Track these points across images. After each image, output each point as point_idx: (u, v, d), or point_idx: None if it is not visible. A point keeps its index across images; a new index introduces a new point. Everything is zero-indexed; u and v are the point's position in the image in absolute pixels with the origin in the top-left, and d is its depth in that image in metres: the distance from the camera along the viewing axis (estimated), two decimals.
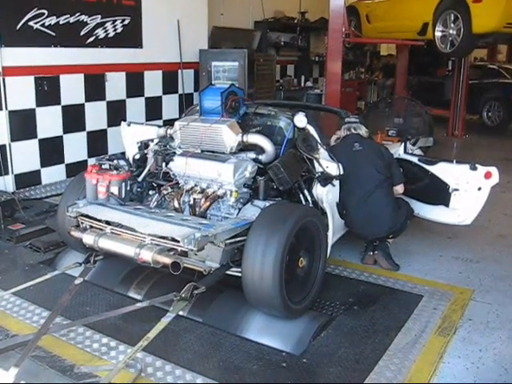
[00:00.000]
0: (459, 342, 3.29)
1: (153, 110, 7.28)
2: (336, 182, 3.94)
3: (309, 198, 3.82)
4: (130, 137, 4.81)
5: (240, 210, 3.63)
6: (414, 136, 7.79)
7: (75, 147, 6.26)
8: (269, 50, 10.39)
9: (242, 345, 3.20)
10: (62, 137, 6.14)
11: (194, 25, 7.76)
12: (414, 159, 4.46)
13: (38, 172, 5.95)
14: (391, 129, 7.39)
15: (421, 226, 4.91)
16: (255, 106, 4.19)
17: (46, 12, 5.65)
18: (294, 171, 3.67)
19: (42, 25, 5.67)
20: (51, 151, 6.03)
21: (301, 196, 3.84)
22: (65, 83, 6.03)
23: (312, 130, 3.95)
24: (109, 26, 6.41)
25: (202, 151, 3.91)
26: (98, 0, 6.27)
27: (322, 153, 3.93)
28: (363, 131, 4.26)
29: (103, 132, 6.62)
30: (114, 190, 3.71)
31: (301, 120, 3.86)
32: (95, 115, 6.48)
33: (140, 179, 4.00)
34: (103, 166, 3.87)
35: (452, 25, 7.34)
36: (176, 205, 3.74)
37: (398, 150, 4.66)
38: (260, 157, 3.78)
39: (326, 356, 3.09)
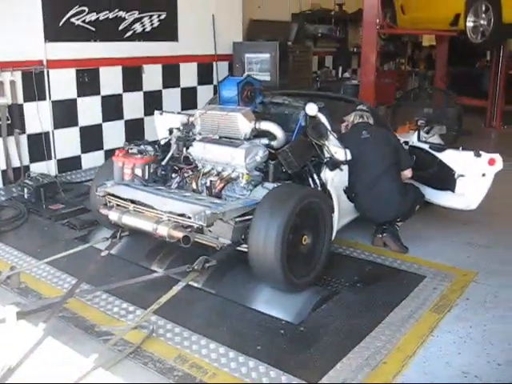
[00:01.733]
0: (452, 319, 3.46)
1: (188, 99, 7.62)
2: (344, 167, 4.18)
3: (317, 181, 4.06)
4: (161, 124, 5.16)
5: (252, 191, 3.92)
6: (446, 125, 7.87)
7: (113, 134, 6.67)
8: (306, 41, 10.56)
9: (247, 314, 3.50)
10: (101, 125, 6.59)
11: (229, 18, 8.05)
12: (426, 147, 4.63)
13: (78, 157, 6.42)
14: (420, 118, 7.46)
15: (436, 212, 5.05)
16: (271, 95, 4.46)
17: (86, 9, 6.10)
18: (302, 156, 3.92)
19: (83, 21, 6.12)
20: (91, 138, 6.48)
21: (310, 180, 4.09)
22: (104, 75, 6.47)
23: (323, 118, 4.18)
24: (146, 20, 6.80)
25: (220, 137, 4.21)
26: None
27: (332, 139, 4.16)
28: (371, 120, 4.47)
29: (140, 120, 7.02)
30: (138, 172, 4.09)
31: (312, 108, 4.10)
32: (133, 105, 6.89)
33: (164, 163, 4.33)
34: (130, 151, 4.26)
35: (483, 15, 7.32)
36: (194, 186, 4.08)
37: (412, 138, 4.84)
38: (272, 142, 4.05)
39: (322, 326, 3.34)
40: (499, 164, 4.08)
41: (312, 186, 4.07)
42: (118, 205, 3.93)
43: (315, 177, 4.07)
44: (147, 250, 4.36)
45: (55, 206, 5.39)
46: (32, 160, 5.92)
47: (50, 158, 6.06)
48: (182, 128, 4.48)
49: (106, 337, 3.16)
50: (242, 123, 4.04)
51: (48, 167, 6.04)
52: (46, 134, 5.99)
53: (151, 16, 6.85)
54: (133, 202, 3.85)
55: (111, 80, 6.58)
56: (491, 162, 4.08)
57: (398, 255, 4.41)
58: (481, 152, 4.11)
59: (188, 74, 7.62)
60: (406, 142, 4.86)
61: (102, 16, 6.28)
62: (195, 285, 3.82)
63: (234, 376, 2.84)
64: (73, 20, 6.02)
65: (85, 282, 3.72)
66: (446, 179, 4.36)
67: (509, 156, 7.82)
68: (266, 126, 4.04)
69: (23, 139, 5.81)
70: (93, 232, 4.78)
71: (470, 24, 7.65)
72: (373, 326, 3.34)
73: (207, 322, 3.39)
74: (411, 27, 9.50)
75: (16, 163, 5.76)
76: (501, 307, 3.62)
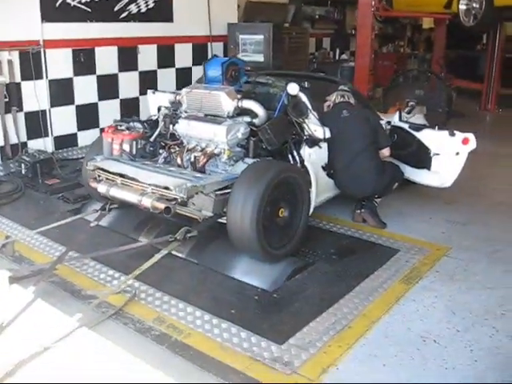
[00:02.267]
0: (419, 289, 3.65)
1: (183, 79, 7.70)
2: (323, 145, 4.35)
3: (297, 158, 4.24)
4: (154, 103, 5.33)
5: (233, 166, 4.10)
6: (435, 107, 8.03)
7: (109, 113, 6.76)
8: (304, 23, 10.64)
9: (225, 281, 3.72)
10: (96, 103, 6.76)
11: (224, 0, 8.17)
12: (406, 126, 4.79)
13: (74, 135, 6.61)
14: (411, 100, 7.60)
15: (418, 191, 5.22)
16: (255, 75, 4.62)
17: None
18: (281, 133, 4.10)
19: (79, 2, 6.26)
20: (87, 116, 6.65)
21: (290, 156, 4.27)
22: (100, 55, 6.63)
23: (304, 98, 4.34)
24: (141, 1, 6.93)
25: (205, 115, 4.39)
26: None
27: (312, 118, 4.33)
28: (352, 100, 4.63)
29: (135, 100, 7.19)
30: (126, 147, 4.29)
31: (293, 88, 4.25)
32: (128, 84, 7.05)
33: (152, 139, 4.52)
34: (119, 128, 4.45)
35: None
36: (179, 161, 4.27)
37: (394, 118, 5.00)
38: (254, 120, 4.22)
39: (294, 293, 3.54)
40: (473, 143, 4.23)
41: (291, 161, 4.24)
42: (106, 178, 4.14)
43: (295, 153, 4.25)
44: (136, 222, 4.57)
45: (51, 181, 5.60)
46: (29, 137, 6.11)
47: (46, 135, 6.24)
48: (169, 106, 4.66)
49: (92, 300, 3.38)
50: (225, 101, 4.21)
51: (45, 144, 6.23)
52: (43, 111, 6.16)
53: None
54: (121, 175, 4.06)
55: (107, 60, 6.72)
56: (465, 141, 4.23)
57: (376, 230, 4.58)
58: (455, 131, 4.26)
59: (183, 55, 7.75)
60: (389, 122, 5.01)
61: None
62: (179, 255, 4.04)
63: (207, 336, 3.05)
64: (69, 1, 6.14)
65: (75, 250, 3.93)
66: (422, 158, 4.53)
67: (501, 139, 8.00)
68: (248, 104, 4.21)
69: (21, 117, 5.99)
70: (85, 205, 4.98)
71: (462, 7, 7.77)
72: (343, 294, 3.53)
73: (187, 288, 3.60)
74: (406, 9, 9.57)
75: (14, 140, 5.95)
76: (468, 280, 3.79)
